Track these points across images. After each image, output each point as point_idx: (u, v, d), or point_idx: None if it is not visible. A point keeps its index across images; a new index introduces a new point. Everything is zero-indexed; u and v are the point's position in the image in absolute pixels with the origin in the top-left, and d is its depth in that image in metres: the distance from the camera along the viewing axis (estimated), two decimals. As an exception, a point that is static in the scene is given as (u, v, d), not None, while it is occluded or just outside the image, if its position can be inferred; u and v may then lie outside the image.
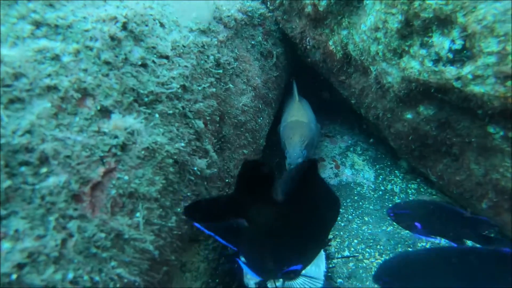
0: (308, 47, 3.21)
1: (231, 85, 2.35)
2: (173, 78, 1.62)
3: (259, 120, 2.75)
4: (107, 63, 1.30)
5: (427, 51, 2.16)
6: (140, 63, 1.46)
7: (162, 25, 1.70)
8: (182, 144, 1.59)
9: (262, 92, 2.91)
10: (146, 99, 1.45)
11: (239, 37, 2.78)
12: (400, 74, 2.40)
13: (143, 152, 1.34)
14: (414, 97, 2.46)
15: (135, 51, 1.47)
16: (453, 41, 2.01)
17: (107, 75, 1.28)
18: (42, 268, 0.99)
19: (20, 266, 0.96)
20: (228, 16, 2.43)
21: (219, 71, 2.11)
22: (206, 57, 2.03)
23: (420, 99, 2.45)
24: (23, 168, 1.02)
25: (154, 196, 1.35)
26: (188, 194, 1.62)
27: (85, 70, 1.21)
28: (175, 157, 1.51)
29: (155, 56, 1.58)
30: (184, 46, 1.80)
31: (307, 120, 3.30)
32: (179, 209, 1.55)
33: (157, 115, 1.50)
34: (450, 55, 2.04)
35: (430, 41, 2.14)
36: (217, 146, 2.07)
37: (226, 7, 2.40)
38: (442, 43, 2.07)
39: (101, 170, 1.18)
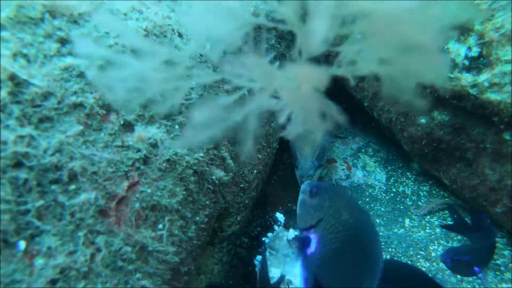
0: (320, 49, 3.22)
1: (245, 92, 2.37)
2: (192, 88, 1.64)
3: (273, 124, 2.77)
4: (129, 78, 1.33)
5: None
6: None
7: (180, 35, 1.72)
8: (201, 154, 1.61)
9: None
10: (166, 111, 1.48)
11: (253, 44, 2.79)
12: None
13: (164, 164, 1.37)
14: (429, 103, 2.46)
15: (156, 64, 1.49)
16: (469, 48, 2.01)
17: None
18: (73, 283, 1.03)
19: (53, 282, 1.00)
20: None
21: (234, 78, 2.12)
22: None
23: (435, 104, 2.45)
24: (53, 187, 1.06)
25: (175, 207, 1.38)
26: (207, 202, 1.64)
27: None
28: (195, 167, 1.54)
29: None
30: (201, 56, 1.82)
31: None
32: (198, 218, 1.58)
33: (177, 126, 1.53)
34: (466, 62, 2.03)
35: (445, 48, 2.13)
36: (233, 153, 2.10)
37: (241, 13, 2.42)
38: (458, 50, 2.07)
39: (126, 184, 1.21)
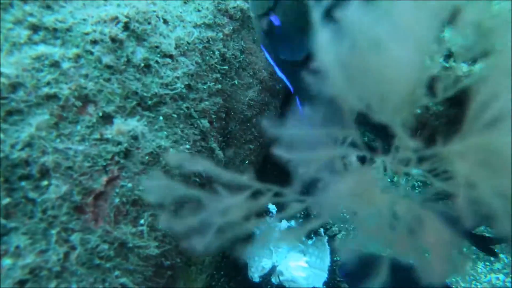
0: (315, 37, 3.14)
1: (237, 80, 2.31)
2: (178, 78, 1.58)
3: (266, 113, 2.71)
4: (108, 67, 1.26)
5: (439, 47, 2.09)
6: (143, 64, 1.42)
7: (165, 21, 1.65)
8: (187, 146, 1.56)
9: (269, 84, 2.86)
10: (149, 102, 1.42)
11: (245, 27, 2.71)
12: (410, 68, 2.34)
13: (147, 157, 1.32)
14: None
15: (138, 52, 1.43)
16: (465, 37, 1.94)
17: (109, 79, 1.25)
18: (44, 283, 0.99)
19: (22, 282, 0.96)
20: (234, 8, 2.36)
21: (225, 66, 2.06)
22: (211, 52, 1.98)
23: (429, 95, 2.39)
24: (23, 183, 1.01)
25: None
26: (193, 196, 1.60)
27: (86, 76, 1.18)
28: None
29: (159, 55, 1.54)
30: (188, 43, 1.75)
31: None
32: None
33: (161, 118, 1.47)
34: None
35: (441, 36, 2.06)
36: (223, 144, 2.05)
37: (231, -3, 2.33)
38: (454, 38, 2.00)
39: (104, 179, 1.16)
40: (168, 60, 1.59)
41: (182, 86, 1.60)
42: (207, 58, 1.92)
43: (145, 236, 1.23)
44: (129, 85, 1.31)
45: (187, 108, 1.62)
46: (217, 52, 2.01)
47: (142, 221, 1.24)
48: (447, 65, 2.05)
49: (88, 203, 1.11)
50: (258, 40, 2.88)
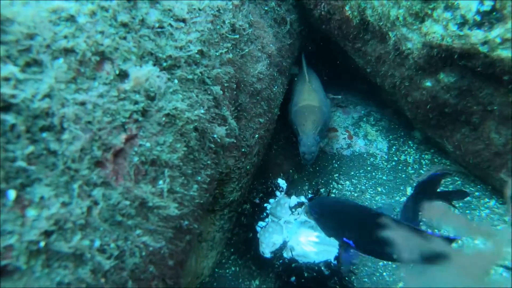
0: (323, 13, 3.09)
1: (246, 52, 2.28)
2: (191, 42, 1.55)
3: (274, 89, 2.68)
4: (124, 25, 1.23)
5: (452, 14, 2.06)
6: (157, 25, 1.39)
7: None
8: (202, 111, 1.54)
9: (277, 60, 2.83)
10: (164, 64, 1.39)
11: (252, 2, 2.67)
12: (421, 39, 2.31)
13: (163, 118, 1.30)
14: (435, 64, 2.37)
15: (152, 13, 1.39)
16: (481, 2, 1.91)
17: (124, 37, 1.22)
18: (69, 236, 0.97)
19: (47, 234, 0.94)
20: (241, -20, 2.32)
21: (235, 36, 2.03)
22: (222, 21, 1.95)
23: (441, 66, 2.36)
24: (44, 134, 0.98)
25: (176, 163, 1.31)
26: (208, 162, 1.58)
27: (102, 33, 1.15)
28: (196, 124, 1.47)
29: (172, 19, 1.51)
30: (200, 10, 1.71)
31: (318, 104, 3.20)
32: (199, 177, 1.52)
33: (176, 81, 1.44)
34: (478, 18, 1.94)
35: (455, 3, 2.03)
36: (234, 114, 2.03)
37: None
38: (468, 4, 1.97)
39: (123, 136, 1.13)
40: (181, 24, 1.56)
41: (196, 50, 1.58)
42: (218, 27, 1.89)
43: (164, 196, 1.22)
44: (144, 45, 1.28)
45: (201, 73, 1.59)
46: (227, 21, 1.97)
47: (161, 182, 1.22)
48: (461, 33, 2.02)
49: (108, 159, 1.08)
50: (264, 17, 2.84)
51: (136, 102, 1.21)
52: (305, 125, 2.96)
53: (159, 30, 1.41)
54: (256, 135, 2.38)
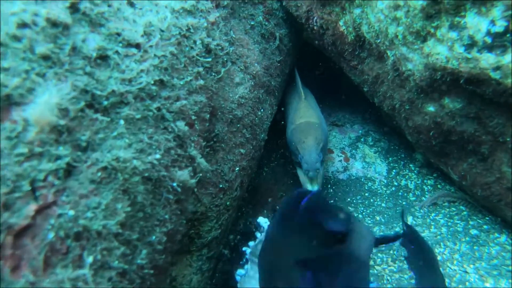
0: (315, 28, 2.83)
1: (224, 75, 2.01)
2: (145, 71, 1.28)
3: (259, 113, 2.42)
4: (45, 57, 0.97)
5: (458, 34, 1.79)
6: (96, 55, 1.13)
7: (131, 4, 1.35)
8: (157, 156, 1.27)
9: (263, 80, 2.57)
10: (105, 103, 1.13)
11: (236, 17, 2.41)
12: (423, 60, 2.04)
13: (99, 174, 1.03)
14: (439, 88, 2.10)
15: (91, 39, 1.13)
16: (493, 21, 1.64)
17: (43, 75, 0.96)
18: None
19: None
20: (222, -7, 2.07)
21: (208, 59, 1.77)
22: (192, 42, 1.69)
23: (446, 90, 2.09)
24: None
25: (114, 231, 1.04)
26: (166, 216, 1.31)
27: (7, 70, 0.89)
28: (146, 174, 1.20)
29: (120, 45, 1.25)
30: (162, 31, 1.45)
31: (318, 121, 2.94)
32: (153, 238, 1.25)
33: (121, 122, 1.18)
34: (488, 39, 1.67)
35: (462, 21, 1.77)
36: (206, 150, 1.76)
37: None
38: (478, 24, 1.70)
39: (32, 208, 0.87)
40: (133, 50, 1.30)
41: (151, 81, 1.31)
42: (187, 49, 1.63)
43: (89, 281, 0.94)
44: (74, 81, 1.02)
45: (158, 108, 1.33)
46: (199, 42, 1.72)
47: (90, 259, 0.96)
48: (469, 56, 1.75)
49: (5, 245, 0.81)
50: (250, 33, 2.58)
51: (57, 158, 0.94)
52: (305, 142, 2.69)
53: (99, 60, 1.14)
54: (237, 168, 2.11)
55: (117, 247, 1.04)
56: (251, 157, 2.34)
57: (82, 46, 1.09)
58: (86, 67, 1.09)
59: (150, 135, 1.27)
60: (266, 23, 2.74)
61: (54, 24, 1.01)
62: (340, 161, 3.52)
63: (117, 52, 1.20)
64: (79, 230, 0.96)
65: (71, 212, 0.95)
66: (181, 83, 1.49)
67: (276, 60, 2.86)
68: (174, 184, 1.32)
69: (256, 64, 2.41)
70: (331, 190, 3.33)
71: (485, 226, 2.79)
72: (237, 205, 2.43)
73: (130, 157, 1.13)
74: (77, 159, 0.98)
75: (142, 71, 1.26)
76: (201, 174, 1.65)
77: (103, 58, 1.15)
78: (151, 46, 1.37)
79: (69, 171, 0.96)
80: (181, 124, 1.43)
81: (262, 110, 2.50)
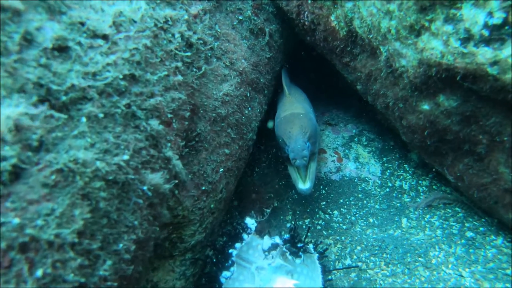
0: (306, 23, 2.73)
1: (208, 71, 1.91)
2: (112, 65, 1.17)
3: (246, 111, 2.31)
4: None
5: (454, 27, 1.69)
6: (54, 45, 1.02)
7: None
8: (125, 157, 1.16)
9: (251, 77, 2.46)
10: (63, 98, 1.02)
11: (222, 11, 2.30)
12: (417, 56, 1.94)
13: (53, 176, 0.92)
14: (434, 85, 2.00)
15: (48, 28, 1.02)
16: (490, 13, 1.54)
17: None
18: None
19: None
20: (205, -16, 1.96)
21: (188, 53, 1.66)
22: (170, 35, 1.58)
23: (441, 87, 1.99)
24: None
25: (69, 240, 0.93)
26: (135, 222, 1.20)
27: None
28: (111, 176, 1.09)
29: (84, 35, 1.14)
30: (134, 21, 1.35)
31: (303, 111, 2.85)
32: (120, 246, 1.14)
33: (83, 120, 1.07)
34: (485, 32, 1.57)
35: (458, 14, 1.66)
36: (185, 150, 1.65)
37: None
38: (474, 16, 1.60)
39: (-34, 216, 0.77)
40: (100, 41, 1.19)
41: (120, 76, 1.20)
42: (164, 42, 1.52)
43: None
44: (24, 74, 0.91)
45: (128, 105, 1.22)
46: (178, 35, 1.61)
47: (38, 273, 0.85)
48: (465, 50, 1.65)
49: None
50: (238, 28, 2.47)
51: (2, 159, 0.83)
52: (291, 131, 2.58)
53: (57, 52, 1.03)
54: (221, 169, 2.00)
55: (72, 258, 0.93)
56: (238, 158, 2.24)
57: (37, 35, 0.98)
58: (41, 58, 0.98)
59: (117, 134, 1.16)
60: (255, 18, 2.63)
61: (2, 9, 0.90)
62: (333, 161, 3.41)
63: (79, 43, 1.09)
64: (25, 241, 0.85)
65: (16, 220, 0.84)
66: (155, 78, 1.38)
67: (265, 57, 2.76)
68: (145, 188, 1.21)
69: (243, 60, 2.31)
70: (324, 191, 3.23)
71: (481, 228, 2.70)
72: (223, 208, 2.33)
73: (91, 158, 1.02)
74: (26, 160, 0.87)
75: (109, 64, 1.15)
76: (181, 177, 1.54)
77: (62, 49, 1.04)
78: (121, 38, 1.25)
79: (16, 174, 0.86)
80: (154, 123, 1.32)
81: (250, 109, 2.39)
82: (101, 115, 1.10)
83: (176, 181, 1.42)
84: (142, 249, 1.27)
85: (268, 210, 2.71)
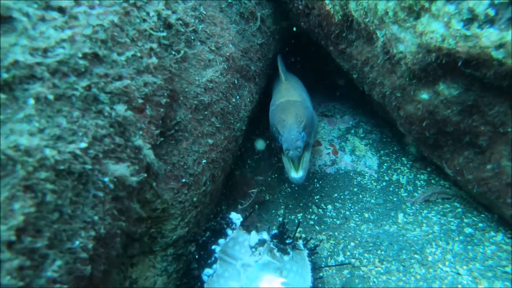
0: (300, 7, 2.58)
1: (189, 55, 1.77)
2: (67, 41, 1.04)
3: (234, 100, 2.17)
4: None
5: (457, 7, 1.55)
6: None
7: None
8: (82, 145, 1.03)
9: (240, 63, 2.32)
10: (5, 76, 0.89)
11: (210, -9, 2.15)
12: (416, 40, 1.80)
13: (-13, 166, 0.80)
14: (433, 72, 1.87)
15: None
16: (496, -9, 1.40)
17: None
18: None
19: None
20: (187, -40, 1.81)
21: (164, 33, 1.52)
22: (144, 13, 1.44)
23: (441, 74, 1.85)
24: None
25: (6, 238, 0.81)
26: (95, 218, 1.08)
27: None
28: (63, 166, 0.96)
29: (35, 6, 1.00)
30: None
31: (299, 99, 2.71)
32: (76, 243, 1.01)
33: (31, 101, 0.94)
34: (491, 12, 1.43)
35: (460, -7, 1.52)
36: (160, 139, 1.52)
37: None
38: (479, -5, 1.46)
39: None
40: (54, 14, 1.05)
41: (79, 54, 1.07)
42: (137, 20, 1.38)
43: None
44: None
45: (88, 87, 1.08)
46: (153, 14, 1.47)
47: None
48: (468, 32, 1.51)
49: None
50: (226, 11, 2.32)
51: None
52: (286, 120, 2.44)
53: (-3, 22, 0.90)
54: (204, 160, 1.87)
55: (9, 259, 0.81)
56: (224, 149, 2.10)
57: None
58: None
59: (74, 119, 1.03)
60: (246, 1, 2.48)
61: None
62: (328, 154, 3.28)
63: (26, 14, 0.96)
64: None
65: None
66: (123, 59, 1.24)
67: (257, 43, 2.61)
68: (106, 180, 1.08)
69: (231, 45, 2.16)
70: (318, 185, 3.10)
71: (480, 224, 2.58)
72: (210, 201, 2.21)
73: (38, 145, 0.89)
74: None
75: (63, 40, 1.02)
76: (153, 168, 1.41)
77: (4, 20, 0.91)
78: (81, 12, 1.12)
79: None
80: (121, 108, 1.19)
81: (238, 97, 2.25)
82: (52, 97, 0.97)
83: (145, 175, 1.29)
84: (104, 246, 1.14)
85: (254, 191, 2.57)
